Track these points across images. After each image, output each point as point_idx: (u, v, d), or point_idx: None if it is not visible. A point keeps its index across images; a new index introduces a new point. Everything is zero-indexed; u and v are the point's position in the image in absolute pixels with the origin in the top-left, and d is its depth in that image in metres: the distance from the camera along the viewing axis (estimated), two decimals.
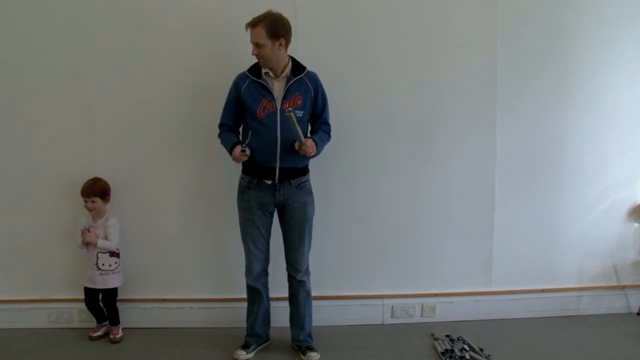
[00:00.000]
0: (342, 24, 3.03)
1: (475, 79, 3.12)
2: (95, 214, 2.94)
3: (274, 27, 2.53)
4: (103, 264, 2.92)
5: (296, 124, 2.49)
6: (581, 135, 3.21)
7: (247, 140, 2.63)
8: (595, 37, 3.14)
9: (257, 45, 2.56)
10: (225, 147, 2.69)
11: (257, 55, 2.59)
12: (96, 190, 2.91)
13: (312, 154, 2.64)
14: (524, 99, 3.15)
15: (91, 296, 2.97)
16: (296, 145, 2.58)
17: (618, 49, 3.16)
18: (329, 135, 2.80)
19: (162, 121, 3.04)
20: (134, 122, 3.03)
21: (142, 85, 3.01)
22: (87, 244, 2.89)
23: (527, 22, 3.11)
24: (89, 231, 2.88)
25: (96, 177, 2.96)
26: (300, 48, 2.90)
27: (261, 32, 2.53)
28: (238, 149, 2.58)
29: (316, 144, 2.65)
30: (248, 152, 2.59)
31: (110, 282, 2.94)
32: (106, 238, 2.91)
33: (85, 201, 2.90)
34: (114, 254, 2.94)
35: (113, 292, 2.97)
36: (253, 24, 2.54)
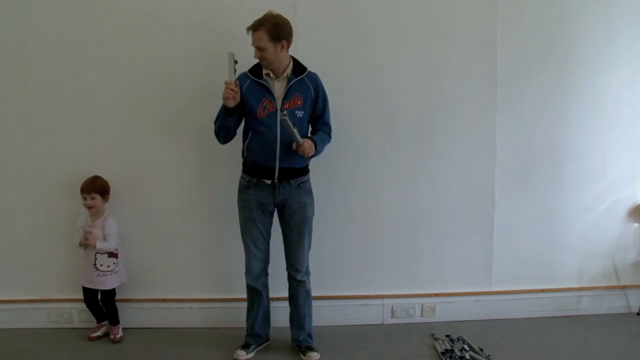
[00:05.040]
0: (342, 25, 3.03)
1: (475, 79, 3.12)
2: (94, 213, 2.93)
3: (276, 30, 2.53)
4: (101, 265, 2.91)
5: (291, 126, 2.49)
6: (581, 135, 3.21)
7: (249, 136, 2.62)
8: (595, 37, 3.15)
9: (259, 48, 2.56)
10: (220, 115, 2.66)
11: (260, 58, 2.60)
12: (97, 187, 2.90)
13: (311, 154, 2.64)
14: (524, 99, 3.15)
15: (90, 296, 2.97)
16: (294, 145, 2.58)
17: (618, 49, 3.16)
18: (330, 137, 2.80)
19: (162, 121, 3.04)
20: (134, 123, 3.03)
21: (142, 86, 3.01)
22: (86, 246, 2.88)
23: (527, 22, 3.11)
24: (91, 234, 2.87)
25: (97, 175, 2.95)
26: (300, 48, 2.90)
27: (263, 35, 2.53)
28: (227, 89, 2.53)
29: (315, 145, 2.65)
30: (237, 86, 2.55)
31: (108, 283, 2.94)
32: (105, 239, 2.90)
33: (85, 197, 2.89)
34: (112, 254, 2.93)
35: (111, 292, 2.97)
36: (254, 28, 2.54)
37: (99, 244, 2.87)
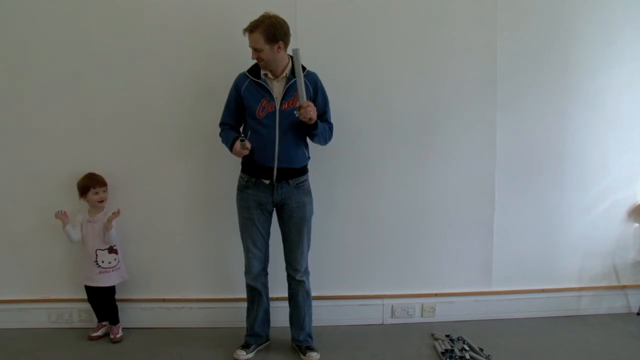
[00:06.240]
0: (342, 24, 3.03)
1: (475, 79, 3.11)
2: (98, 208, 2.94)
3: (271, 32, 2.53)
4: (102, 261, 2.92)
5: (302, 66, 2.48)
6: (581, 135, 3.21)
7: (248, 135, 2.63)
8: (595, 37, 3.14)
9: (256, 50, 2.56)
10: (226, 145, 2.70)
11: (257, 59, 2.60)
12: (104, 181, 2.95)
13: (311, 118, 2.53)
14: (524, 99, 3.15)
15: (93, 294, 2.97)
16: (297, 105, 2.53)
17: (618, 49, 3.16)
18: (331, 132, 2.79)
19: (162, 121, 3.04)
20: (134, 122, 3.03)
21: (142, 86, 3.01)
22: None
23: (527, 22, 3.11)
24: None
25: (89, 172, 2.96)
26: (300, 48, 2.89)
27: (259, 37, 2.53)
28: (238, 143, 2.58)
29: (317, 125, 2.60)
30: (249, 145, 2.58)
31: (110, 280, 2.94)
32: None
33: (97, 192, 2.91)
34: (112, 250, 2.94)
35: (112, 289, 2.98)
36: (250, 30, 2.54)
37: (108, 234, 2.89)
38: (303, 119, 2.54)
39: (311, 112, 2.52)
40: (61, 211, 2.93)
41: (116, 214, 2.91)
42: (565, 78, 3.16)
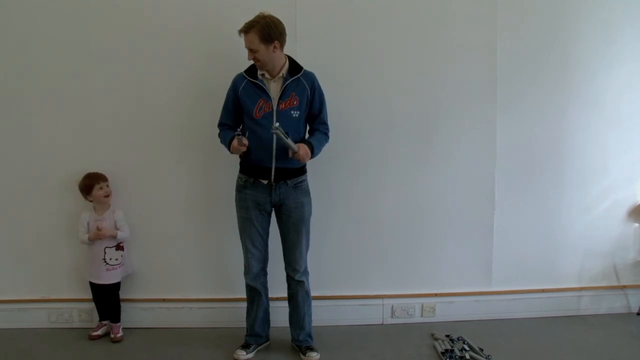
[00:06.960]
0: (342, 24, 3.03)
1: (475, 79, 3.12)
2: (103, 206, 2.95)
3: (266, 32, 2.53)
4: (110, 259, 2.93)
5: (284, 137, 2.50)
6: (581, 135, 3.21)
7: (246, 135, 2.63)
8: (595, 37, 3.14)
9: (251, 50, 2.57)
10: (224, 144, 2.70)
11: (253, 60, 2.61)
12: (104, 176, 2.96)
13: (307, 160, 2.64)
14: (524, 99, 3.15)
15: (98, 291, 2.98)
16: (290, 153, 2.58)
17: (618, 49, 3.16)
18: (327, 136, 2.80)
19: (162, 121, 3.04)
20: (134, 122, 3.03)
21: (142, 86, 3.01)
22: (99, 239, 2.89)
23: (527, 22, 3.11)
24: (99, 229, 2.89)
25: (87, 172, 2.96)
26: (300, 48, 2.90)
27: (254, 37, 2.54)
28: (235, 140, 2.58)
29: (312, 148, 2.65)
30: (245, 140, 2.57)
31: (115, 277, 2.96)
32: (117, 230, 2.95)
33: (101, 187, 2.92)
34: (119, 247, 2.96)
35: (117, 286, 2.99)
36: (245, 30, 2.55)
37: (120, 234, 2.92)
38: (300, 161, 2.63)
39: (304, 155, 2.60)
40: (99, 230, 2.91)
41: (100, 233, 2.90)
42: (565, 78, 3.16)
